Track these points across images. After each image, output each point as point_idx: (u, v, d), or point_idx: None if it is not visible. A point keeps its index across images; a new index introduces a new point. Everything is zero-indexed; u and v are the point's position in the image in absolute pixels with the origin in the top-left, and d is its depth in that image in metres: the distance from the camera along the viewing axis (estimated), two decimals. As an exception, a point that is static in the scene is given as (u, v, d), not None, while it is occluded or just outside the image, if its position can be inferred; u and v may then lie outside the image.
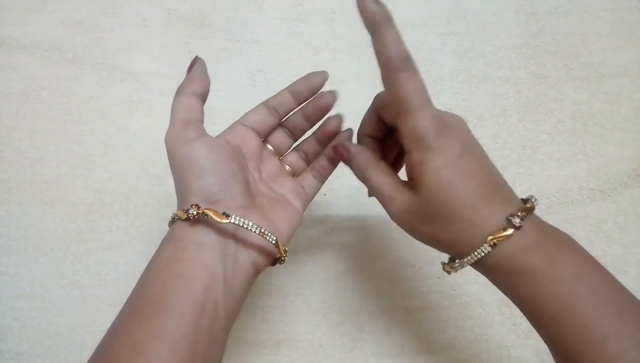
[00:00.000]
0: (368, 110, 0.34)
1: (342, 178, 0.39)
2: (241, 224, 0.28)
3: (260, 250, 0.30)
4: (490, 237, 0.27)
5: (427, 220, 0.29)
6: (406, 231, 0.31)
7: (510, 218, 0.27)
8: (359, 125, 0.35)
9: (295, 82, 0.35)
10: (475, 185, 0.28)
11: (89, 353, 0.26)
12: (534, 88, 0.52)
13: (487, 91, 0.52)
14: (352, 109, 0.36)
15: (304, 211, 0.35)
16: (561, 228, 0.28)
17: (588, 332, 0.25)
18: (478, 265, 0.28)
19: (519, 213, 0.27)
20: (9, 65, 0.50)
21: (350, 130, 0.36)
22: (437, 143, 0.28)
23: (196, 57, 0.32)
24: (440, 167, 0.28)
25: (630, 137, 0.50)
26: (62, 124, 0.48)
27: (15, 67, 0.50)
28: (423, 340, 0.43)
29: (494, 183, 0.29)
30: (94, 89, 0.50)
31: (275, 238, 0.30)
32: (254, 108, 0.35)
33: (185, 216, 0.28)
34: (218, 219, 0.27)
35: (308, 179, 0.36)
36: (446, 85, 0.52)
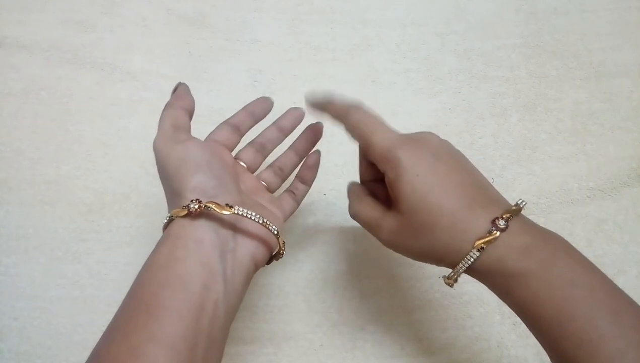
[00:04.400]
0: (359, 159, 0.36)
1: (342, 177, 0.39)
2: (244, 214, 0.29)
3: (261, 241, 0.30)
4: (477, 242, 0.27)
5: (413, 235, 0.29)
6: (398, 252, 0.32)
7: (495, 221, 0.27)
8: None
9: (248, 104, 0.37)
10: (453, 192, 0.28)
11: (89, 354, 0.26)
12: (533, 87, 0.52)
13: (487, 91, 0.52)
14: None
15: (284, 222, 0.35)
16: (561, 227, 0.28)
17: (584, 335, 0.25)
18: (472, 272, 0.29)
19: (503, 216, 0.27)
20: (9, 65, 0.50)
21: (318, 152, 0.38)
22: (406, 157, 0.29)
23: (179, 82, 0.34)
24: (414, 179, 0.29)
25: (630, 137, 0.50)
26: (62, 124, 0.48)
27: (15, 67, 0.50)
28: (423, 340, 0.43)
29: (475, 189, 0.29)
30: (94, 89, 0.50)
31: (276, 228, 0.30)
32: (218, 127, 0.36)
33: (185, 212, 0.28)
34: (221, 211, 0.28)
35: (285, 199, 0.37)
36: (446, 85, 0.52)
